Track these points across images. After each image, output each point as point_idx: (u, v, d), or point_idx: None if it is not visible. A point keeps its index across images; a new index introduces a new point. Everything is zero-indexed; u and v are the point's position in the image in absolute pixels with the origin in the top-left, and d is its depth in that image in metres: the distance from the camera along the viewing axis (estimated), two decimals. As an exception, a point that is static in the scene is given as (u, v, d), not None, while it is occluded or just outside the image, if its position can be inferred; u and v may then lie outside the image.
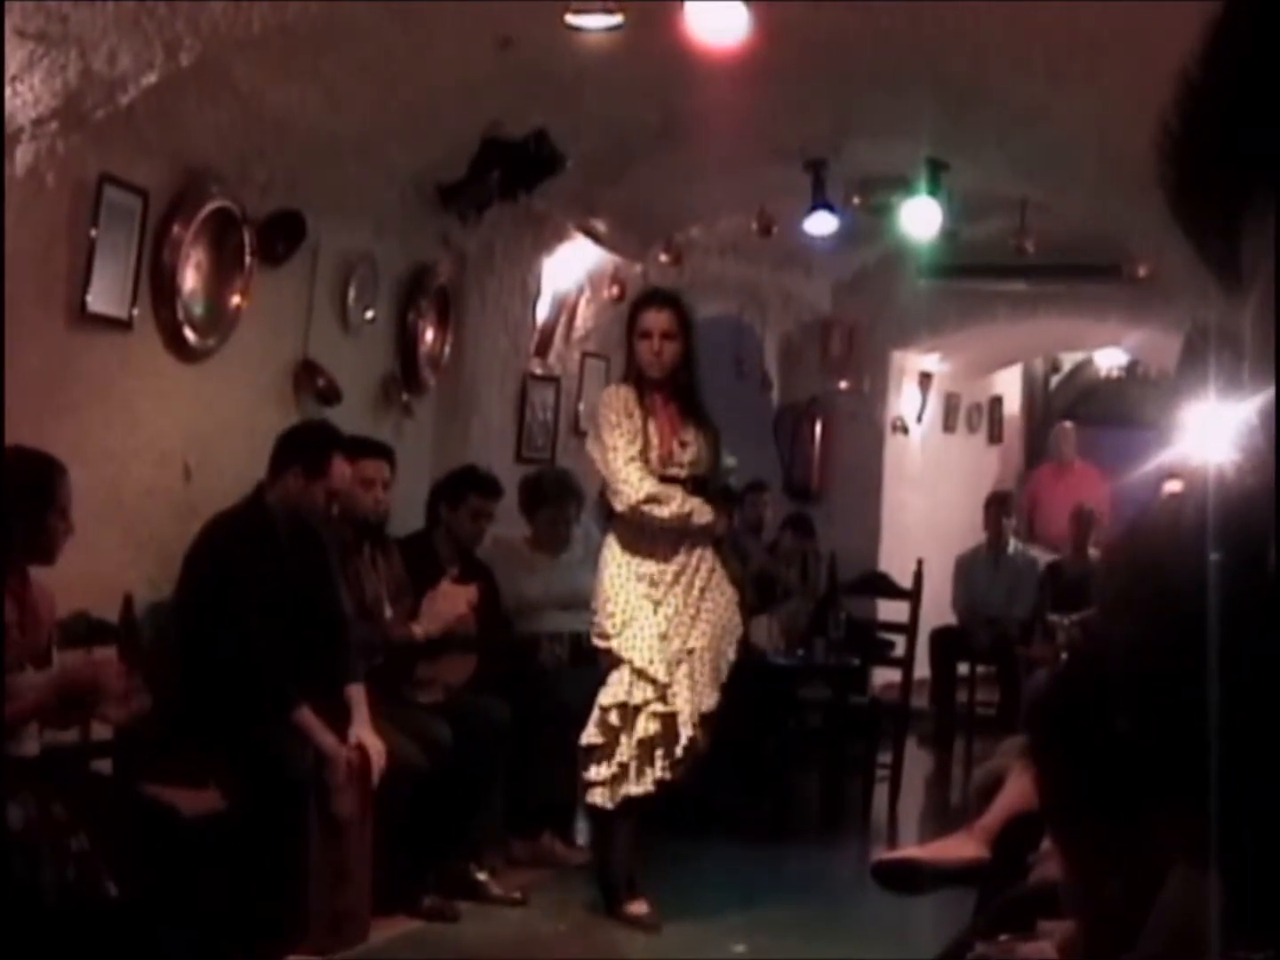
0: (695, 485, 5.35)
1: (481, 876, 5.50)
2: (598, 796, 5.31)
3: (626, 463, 5.24)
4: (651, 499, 5.24)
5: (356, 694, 5.04)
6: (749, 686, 6.23)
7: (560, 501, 6.60)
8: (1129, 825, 1.54)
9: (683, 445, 5.34)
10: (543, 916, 5.49)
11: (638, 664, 5.23)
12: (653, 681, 5.24)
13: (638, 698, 5.24)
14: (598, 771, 5.29)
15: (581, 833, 6.22)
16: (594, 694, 5.49)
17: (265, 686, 4.73)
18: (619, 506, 5.30)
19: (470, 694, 5.77)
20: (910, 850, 4.20)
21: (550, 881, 5.85)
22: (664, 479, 5.29)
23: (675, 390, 5.39)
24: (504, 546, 6.59)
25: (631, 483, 5.24)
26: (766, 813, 6.92)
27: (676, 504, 5.26)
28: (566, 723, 6.03)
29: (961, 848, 3.85)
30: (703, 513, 5.31)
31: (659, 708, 5.23)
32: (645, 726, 5.23)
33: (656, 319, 5.37)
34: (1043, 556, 9.87)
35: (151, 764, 4.46)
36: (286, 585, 4.91)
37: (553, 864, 6.01)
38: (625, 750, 5.25)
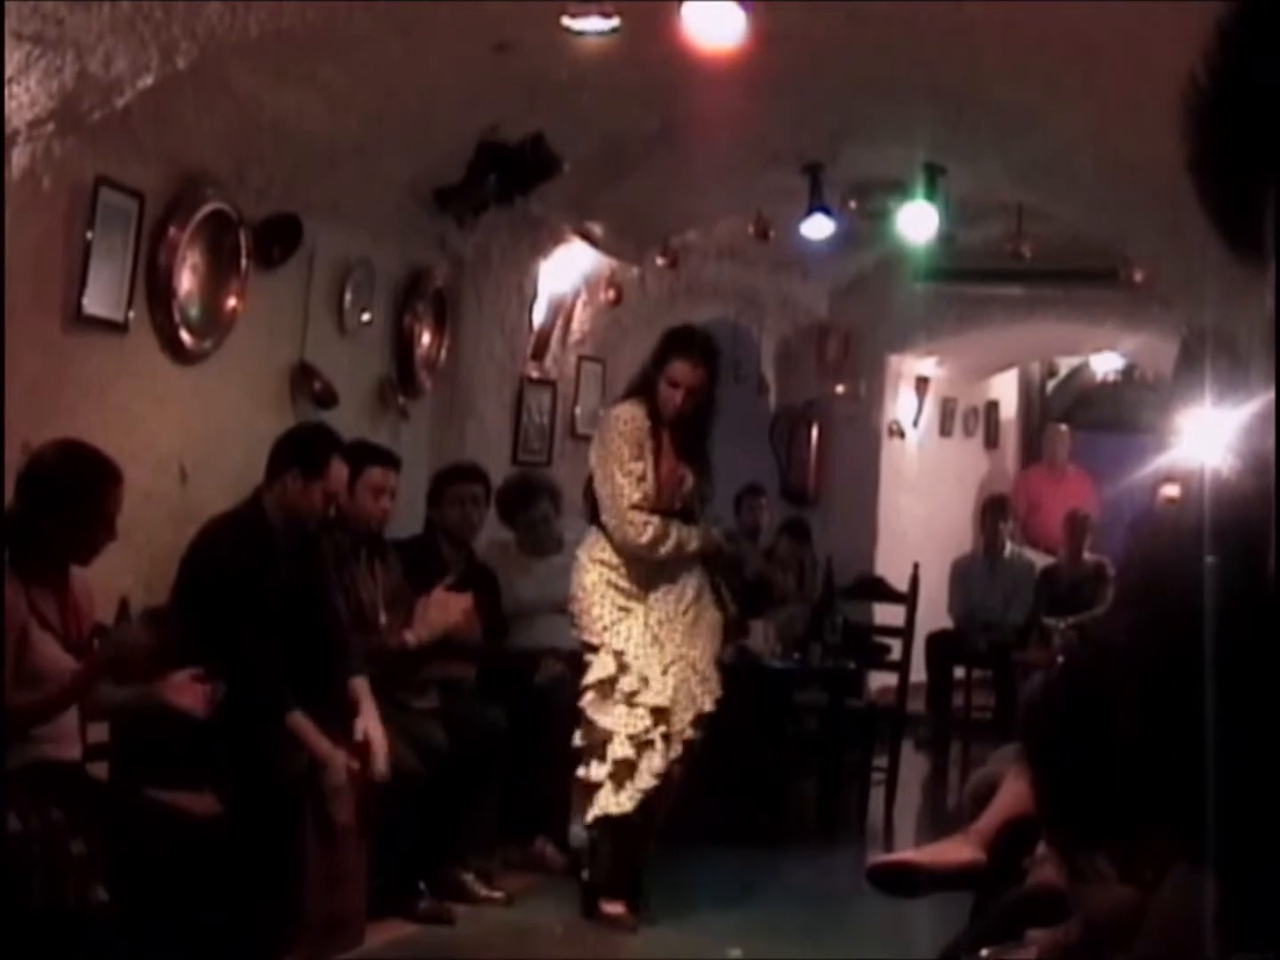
0: (686, 514, 5.45)
1: (467, 877, 5.50)
2: (601, 798, 5.31)
3: (631, 508, 5.31)
4: (654, 543, 5.32)
5: (361, 687, 5.05)
6: (745, 691, 6.23)
7: (530, 502, 6.61)
8: (1125, 828, 1.54)
9: (681, 481, 5.42)
10: (538, 921, 5.49)
11: (627, 657, 5.29)
12: (642, 678, 5.28)
13: (625, 688, 5.27)
14: (590, 772, 5.32)
15: (576, 838, 6.21)
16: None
17: (260, 691, 4.73)
18: (616, 540, 5.36)
19: (466, 700, 5.77)
20: (906, 854, 4.18)
21: (545, 886, 5.85)
22: (663, 512, 5.35)
23: (686, 430, 5.42)
24: (499, 549, 6.61)
25: (635, 525, 5.31)
26: (762, 816, 6.92)
27: (671, 540, 5.35)
28: (563, 729, 6.03)
29: (958, 851, 3.83)
30: (692, 540, 5.41)
31: (648, 700, 5.26)
32: (633, 723, 5.26)
33: (692, 375, 5.35)
34: (1038, 559, 9.88)
35: (148, 768, 4.45)
36: (282, 589, 4.91)
37: (546, 869, 6.00)
38: (618, 749, 5.27)
